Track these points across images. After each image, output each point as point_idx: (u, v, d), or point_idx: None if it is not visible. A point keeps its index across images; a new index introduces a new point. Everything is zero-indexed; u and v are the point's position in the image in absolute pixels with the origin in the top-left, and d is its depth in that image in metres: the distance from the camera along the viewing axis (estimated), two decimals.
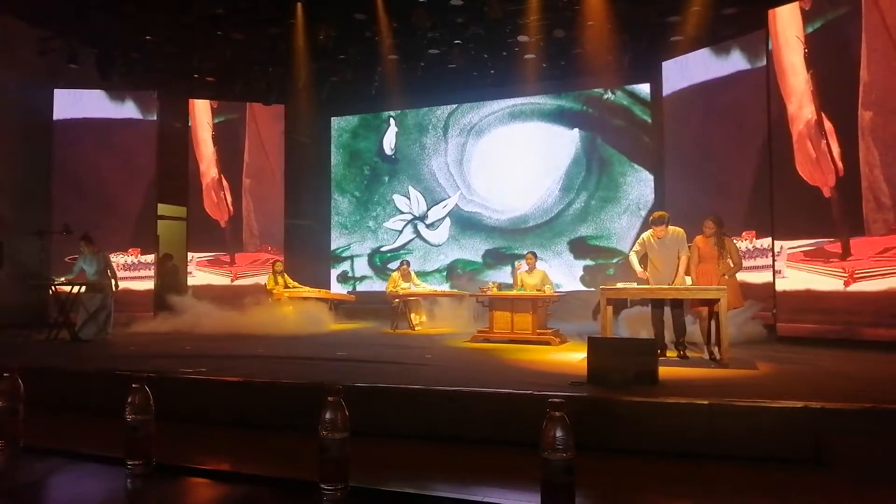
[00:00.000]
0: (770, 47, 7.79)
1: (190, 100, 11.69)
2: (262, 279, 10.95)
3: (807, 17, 7.42)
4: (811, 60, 7.36)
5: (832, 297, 7.04)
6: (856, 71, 6.82)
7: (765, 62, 7.99)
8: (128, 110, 10.91)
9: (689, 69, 9.39)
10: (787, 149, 7.52)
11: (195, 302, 9.76)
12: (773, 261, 7.69)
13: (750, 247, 8.44)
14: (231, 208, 11.64)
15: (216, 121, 11.73)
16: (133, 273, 10.39)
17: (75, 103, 10.73)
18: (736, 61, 8.80)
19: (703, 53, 9.18)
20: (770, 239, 7.95)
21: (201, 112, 11.70)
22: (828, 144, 7.17)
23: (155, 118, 10.91)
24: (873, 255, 6.69)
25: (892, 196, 6.58)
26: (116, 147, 10.77)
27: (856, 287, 6.84)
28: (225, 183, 11.67)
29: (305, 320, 9.23)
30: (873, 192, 6.73)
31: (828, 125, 7.18)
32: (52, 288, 8.32)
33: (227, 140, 11.74)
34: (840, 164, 7.05)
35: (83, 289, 7.97)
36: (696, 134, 9.28)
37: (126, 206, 10.72)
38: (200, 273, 11.41)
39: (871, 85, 6.74)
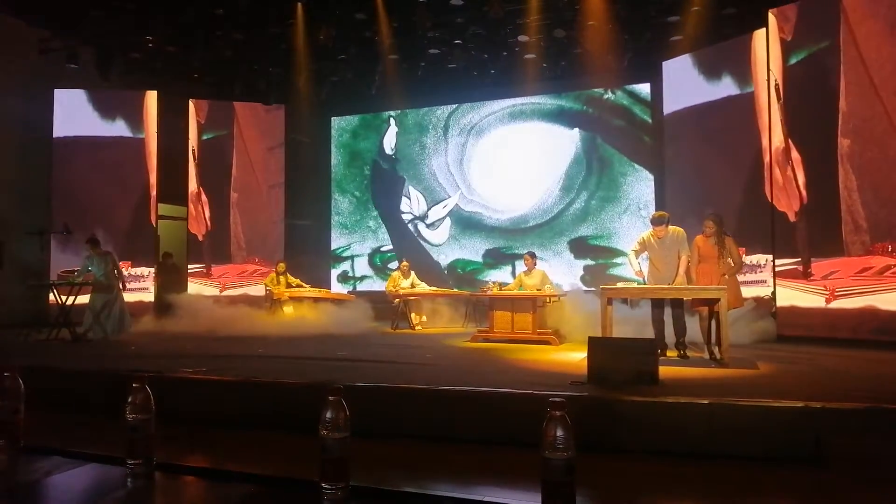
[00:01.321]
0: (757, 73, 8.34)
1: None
2: (251, 290, 11.15)
3: (789, 48, 7.83)
4: (787, 91, 7.83)
5: (814, 314, 7.42)
6: (835, 101, 7.24)
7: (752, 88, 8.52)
8: (119, 128, 11.02)
9: (687, 89, 9.52)
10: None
11: (206, 304, 9.78)
12: (774, 273, 7.89)
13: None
14: (209, 223, 11.73)
15: (205, 137, 11.86)
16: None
17: (73, 117, 10.82)
18: (729, 82, 9.00)
19: (701, 77, 9.32)
20: (760, 255, 8.38)
21: (189, 129, 11.77)
22: (794, 172, 7.66)
23: (143, 136, 11.04)
24: (852, 275, 7.09)
25: (868, 219, 6.96)
26: (112, 161, 10.94)
27: (836, 304, 7.23)
28: (204, 197, 11.77)
29: (347, 320, 9.23)
30: (852, 214, 7.11)
31: (794, 155, 7.65)
32: (53, 288, 8.33)
33: (215, 155, 11.84)
34: (804, 192, 7.56)
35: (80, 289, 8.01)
36: (694, 155, 9.47)
37: (122, 218, 10.91)
38: (191, 284, 11.46)
39: (849, 115, 7.15)
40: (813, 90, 7.52)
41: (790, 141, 7.72)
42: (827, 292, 7.30)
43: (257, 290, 11.38)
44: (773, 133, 7.97)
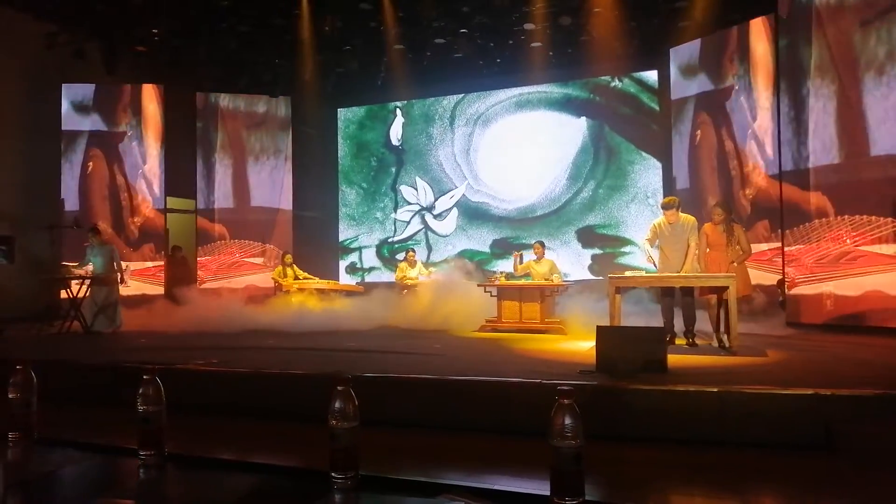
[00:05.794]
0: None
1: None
2: (230, 283, 11.20)
3: (773, 38, 8.16)
4: (776, 77, 8.15)
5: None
6: (807, 93, 7.40)
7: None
8: (126, 121, 11.05)
9: (695, 75, 9.51)
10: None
11: (214, 297, 9.82)
12: (784, 260, 7.83)
13: None
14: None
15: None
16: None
17: (80, 111, 10.87)
18: (734, 68, 9.02)
19: (708, 63, 9.33)
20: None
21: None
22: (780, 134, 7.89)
23: (150, 129, 11.08)
24: (812, 262, 7.31)
25: (834, 208, 7.12)
26: (120, 155, 11.01)
27: (796, 291, 7.48)
28: None
29: (356, 311, 9.13)
30: (820, 201, 7.27)
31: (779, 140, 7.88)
32: (66, 281, 8.39)
33: (200, 147, 11.87)
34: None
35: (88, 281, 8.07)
36: (702, 142, 9.45)
37: (131, 212, 10.99)
38: None
39: (819, 107, 7.29)
40: (789, 82, 7.66)
41: (779, 127, 7.87)
42: (788, 280, 7.58)
43: (237, 282, 11.47)
44: (761, 119, 8.32)
